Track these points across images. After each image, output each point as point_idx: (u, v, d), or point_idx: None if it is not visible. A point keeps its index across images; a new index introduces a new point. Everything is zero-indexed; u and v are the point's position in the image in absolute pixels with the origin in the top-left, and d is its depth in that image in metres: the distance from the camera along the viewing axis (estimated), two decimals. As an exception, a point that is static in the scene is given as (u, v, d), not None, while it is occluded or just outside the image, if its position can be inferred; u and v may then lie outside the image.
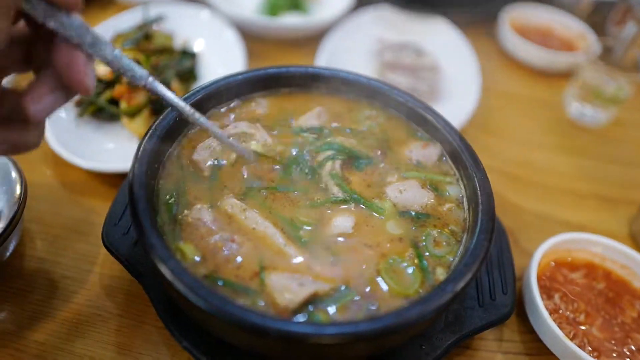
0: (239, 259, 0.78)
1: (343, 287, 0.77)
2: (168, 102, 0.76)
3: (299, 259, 0.79)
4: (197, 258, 0.77)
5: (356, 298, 0.76)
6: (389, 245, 0.83)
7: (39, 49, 0.65)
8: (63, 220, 1.12)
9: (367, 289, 0.77)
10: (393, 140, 1.02)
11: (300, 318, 0.72)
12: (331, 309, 0.74)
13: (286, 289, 0.74)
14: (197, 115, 0.80)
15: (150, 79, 0.72)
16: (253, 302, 0.73)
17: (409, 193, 0.91)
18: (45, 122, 0.66)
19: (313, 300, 0.74)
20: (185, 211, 0.84)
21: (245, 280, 0.76)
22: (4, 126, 0.64)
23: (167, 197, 0.85)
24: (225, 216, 0.84)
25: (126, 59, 0.68)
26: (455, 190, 0.94)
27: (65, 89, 0.62)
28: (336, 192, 0.89)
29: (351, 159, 0.96)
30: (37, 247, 1.07)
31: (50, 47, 0.60)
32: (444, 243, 0.85)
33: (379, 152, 0.99)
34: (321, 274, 0.78)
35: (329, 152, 0.95)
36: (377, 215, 0.87)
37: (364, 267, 0.80)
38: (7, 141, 0.64)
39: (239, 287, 0.75)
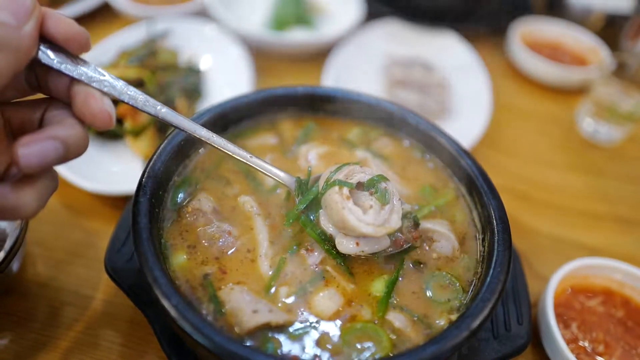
0: (231, 251, 0.81)
1: (299, 325, 0.73)
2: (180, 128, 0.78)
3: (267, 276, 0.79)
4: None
5: (310, 342, 0.72)
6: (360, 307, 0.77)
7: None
8: (66, 244, 1.10)
9: (326, 339, 0.72)
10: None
11: (251, 342, 0.70)
12: (285, 342, 0.71)
13: (240, 312, 0.72)
14: (232, 146, 0.81)
15: (164, 109, 0.74)
16: (215, 311, 0.73)
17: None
18: (44, 192, 0.64)
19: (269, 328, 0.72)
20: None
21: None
22: None
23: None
24: (230, 208, 0.87)
25: (135, 90, 0.72)
26: (465, 218, 0.91)
27: (61, 140, 0.62)
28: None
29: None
30: (39, 271, 1.04)
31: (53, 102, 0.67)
32: (449, 285, 0.81)
33: None
34: (280, 304, 0.75)
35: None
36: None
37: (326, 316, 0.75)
38: None
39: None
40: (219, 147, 0.80)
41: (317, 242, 0.81)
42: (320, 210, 0.82)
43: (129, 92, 0.71)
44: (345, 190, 0.77)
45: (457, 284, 0.81)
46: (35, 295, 1.00)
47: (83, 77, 0.65)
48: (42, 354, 0.91)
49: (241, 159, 0.82)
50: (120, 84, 0.70)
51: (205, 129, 0.79)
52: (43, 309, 0.98)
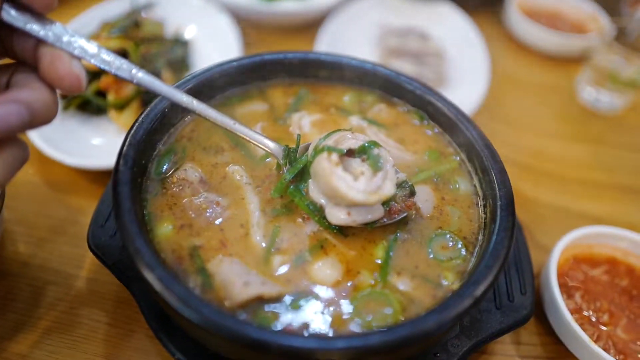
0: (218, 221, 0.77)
1: (296, 296, 0.69)
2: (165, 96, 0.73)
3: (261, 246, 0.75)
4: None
5: (310, 314, 0.68)
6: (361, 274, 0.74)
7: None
8: (47, 221, 1.05)
9: (328, 310, 0.69)
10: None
11: (243, 316, 0.66)
12: (281, 315, 0.67)
13: (231, 284, 0.68)
14: (212, 111, 0.75)
15: (140, 74, 0.68)
16: (203, 284, 0.69)
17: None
18: (11, 161, 0.60)
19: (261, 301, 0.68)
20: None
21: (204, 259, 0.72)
22: None
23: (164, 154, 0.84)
24: (219, 178, 0.82)
25: (108, 53, 0.66)
26: (466, 184, 0.87)
27: (25, 103, 0.57)
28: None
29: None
30: (19, 250, 1.00)
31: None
32: (450, 244, 0.78)
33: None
34: (275, 275, 0.71)
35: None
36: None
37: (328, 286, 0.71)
38: None
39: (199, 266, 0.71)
40: (199, 113, 0.75)
41: (307, 213, 0.77)
42: (310, 180, 0.77)
43: (101, 55, 0.65)
44: (335, 156, 0.72)
45: (460, 243, 0.78)
46: (16, 274, 0.95)
47: (50, 38, 0.60)
48: (24, 334, 0.87)
49: (224, 126, 0.77)
50: (92, 46, 0.64)
51: (185, 94, 0.74)
52: (25, 289, 0.93)
